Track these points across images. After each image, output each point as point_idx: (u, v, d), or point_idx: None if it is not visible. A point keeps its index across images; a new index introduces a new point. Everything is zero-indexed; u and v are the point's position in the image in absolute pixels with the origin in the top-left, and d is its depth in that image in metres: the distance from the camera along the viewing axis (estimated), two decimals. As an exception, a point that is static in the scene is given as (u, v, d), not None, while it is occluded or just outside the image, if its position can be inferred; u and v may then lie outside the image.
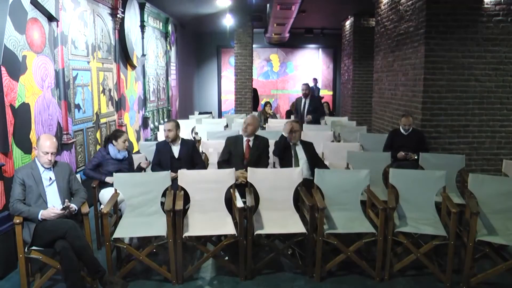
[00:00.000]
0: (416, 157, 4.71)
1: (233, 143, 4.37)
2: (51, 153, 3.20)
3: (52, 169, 3.28)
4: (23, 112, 3.85)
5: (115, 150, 4.16)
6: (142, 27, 7.53)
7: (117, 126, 6.35)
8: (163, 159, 4.30)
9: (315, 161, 4.28)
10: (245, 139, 4.37)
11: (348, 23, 10.33)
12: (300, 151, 4.34)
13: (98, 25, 5.70)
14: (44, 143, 3.19)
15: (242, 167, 4.12)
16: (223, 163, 4.25)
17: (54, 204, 3.19)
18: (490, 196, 3.42)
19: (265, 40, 13.05)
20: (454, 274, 3.34)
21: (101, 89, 5.79)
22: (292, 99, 13.12)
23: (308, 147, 4.39)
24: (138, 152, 4.97)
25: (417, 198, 3.67)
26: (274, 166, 4.50)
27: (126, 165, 4.19)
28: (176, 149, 4.34)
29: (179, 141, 4.36)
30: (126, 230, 3.41)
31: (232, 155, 4.31)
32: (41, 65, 4.20)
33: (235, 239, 3.35)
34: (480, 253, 3.40)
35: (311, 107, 7.10)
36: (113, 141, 4.17)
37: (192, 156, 4.34)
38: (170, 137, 4.29)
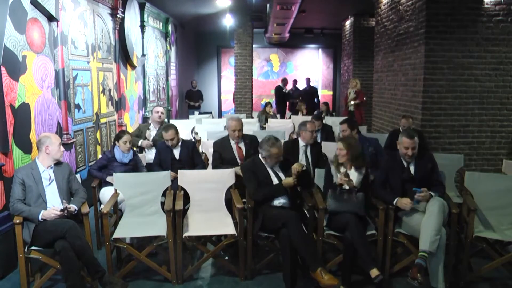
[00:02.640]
0: None
1: (221, 147, 4.27)
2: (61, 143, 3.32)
3: (52, 168, 3.28)
4: (23, 112, 3.85)
5: (120, 154, 4.13)
6: (142, 27, 7.53)
7: (117, 126, 6.35)
8: (163, 160, 4.28)
9: (319, 162, 4.24)
10: (234, 142, 4.29)
11: (348, 23, 10.33)
12: (309, 153, 4.29)
13: (98, 25, 5.70)
14: (54, 137, 3.29)
15: None
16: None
17: (53, 204, 3.19)
18: (485, 193, 3.45)
19: (265, 40, 13.05)
20: (451, 269, 3.35)
21: (101, 89, 5.79)
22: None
23: (316, 149, 4.33)
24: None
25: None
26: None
27: (132, 166, 4.19)
28: (177, 151, 4.32)
29: (180, 143, 4.35)
30: (126, 230, 3.40)
31: (224, 159, 4.22)
32: (41, 65, 4.20)
33: (235, 239, 3.35)
34: (477, 249, 3.44)
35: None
36: (117, 142, 4.16)
37: (193, 157, 4.33)
38: (174, 144, 4.27)
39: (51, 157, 3.25)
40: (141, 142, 4.93)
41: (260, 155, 3.60)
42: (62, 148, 3.33)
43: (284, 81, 11.67)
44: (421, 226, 3.09)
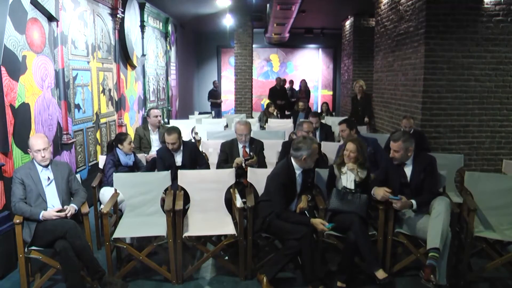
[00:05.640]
0: None
1: (229, 148, 4.25)
2: (43, 149, 3.18)
3: (50, 168, 3.28)
4: (23, 112, 3.85)
5: (124, 156, 4.10)
6: (142, 27, 7.53)
7: (117, 126, 6.35)
8: (165, 167, 4.04)
9: (319, 162, 4.21)
10: (241, 145, 4.27)
11: (348, 23, 10.33)
12: None
13: (98, 25, 5.70)
14: (35, 142, 3.19)
15: (243, 171, 4.04)
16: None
17: (53, 204, 3.20)
18: (485, 193, 3.46)
19: (265, 40, 13.05)
20: (451, 269, 3.35)
21: (101, 89, 5.79)
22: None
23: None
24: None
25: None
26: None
27: (135, 168, 4.18)
28: (178, 157, 4.14)
29: (181, 147, 4.17)
30: (126, 230, 3.41)
31: (229, 160, 4.20)
32: (41, 65, 4.20)
33: (235, 239, 3.35)
34: (476, 249, 3.44)
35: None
36: (119, 145, 4.10)
37: (196, 160, 4.20)
38: (175, 149, 4.08)
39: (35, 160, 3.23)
40: (146, 157, 4.65)
41: (293, 158, 3.39)
42: (43, 154, 3.17)
43: (280, 80, 11.31)
44: (429, 225, 3.09)
